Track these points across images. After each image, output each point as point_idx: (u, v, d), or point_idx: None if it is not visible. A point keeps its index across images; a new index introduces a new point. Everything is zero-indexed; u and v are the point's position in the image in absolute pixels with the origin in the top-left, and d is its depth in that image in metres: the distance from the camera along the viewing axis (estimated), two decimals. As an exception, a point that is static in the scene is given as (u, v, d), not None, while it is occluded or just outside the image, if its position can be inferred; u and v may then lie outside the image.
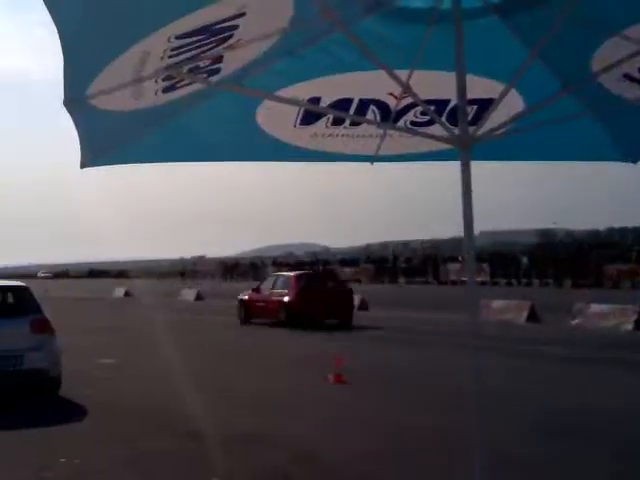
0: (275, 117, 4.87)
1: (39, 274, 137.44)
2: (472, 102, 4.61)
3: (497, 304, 25.85)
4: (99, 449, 9.21)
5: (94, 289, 64.94)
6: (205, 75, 4.20)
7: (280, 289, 26.49)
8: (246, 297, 28.17)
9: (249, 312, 27.64)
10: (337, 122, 4.97)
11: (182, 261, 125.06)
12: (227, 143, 5.26)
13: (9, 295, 13.79)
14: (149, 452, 9.03)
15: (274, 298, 26.30)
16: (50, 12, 2.97)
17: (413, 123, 5.07)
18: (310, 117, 4.89)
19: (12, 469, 8.42)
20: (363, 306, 32.30)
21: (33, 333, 12.46)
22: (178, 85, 4.14)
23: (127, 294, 51.35)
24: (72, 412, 11.52)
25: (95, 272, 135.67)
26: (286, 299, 25.72)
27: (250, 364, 16.77)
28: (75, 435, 10.05)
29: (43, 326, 12.64)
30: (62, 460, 8.63)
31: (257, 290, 27.92)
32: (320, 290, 25.87)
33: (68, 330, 20.69)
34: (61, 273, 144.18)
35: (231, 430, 10.04)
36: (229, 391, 13.28)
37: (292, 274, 28.05)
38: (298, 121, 4.91)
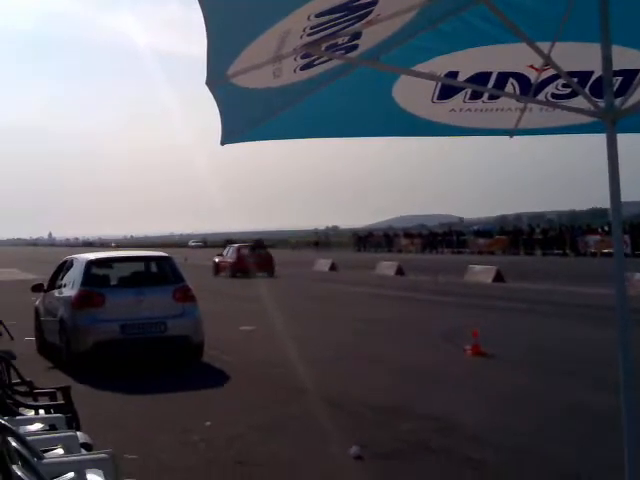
0: (412, 92, 4.83)
1: (190, 243, 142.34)
2: (617, 73, 4.44)
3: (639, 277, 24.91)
4: (239, 414, 9.53)
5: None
6: (343, 52, 4.22)
7: (230, 255, 42.88)
8: (217, 260, 44.66)
9: (217, 269, 43.81)
10: (475, 96, 4.88)
11: (316, 232, 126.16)
12: (363, 119, 5.26)
13: (152, 265, 14.38)
14: (290, 417, 9.27)
15: (226, 260, 42.89)
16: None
17: (554, 96, 4.92)
18: (447, 92, 4.82)
19: (159, 431, 8.84)
20: (498, 278, 31.81)
21: (176, 301, 12.99)
22: (316, 62, 4.18)
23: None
24: (214, 377, 11.97)
25: (231, 241, 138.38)
26: (231, 261, 42.11)
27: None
28: (217, 399, 10.44)
29: (185, 294, 13.15)
30: (207, 424, 8.97)
31: (221, 255, 44.31)
32: (252, 255, 42.19)
33: (209, 298, 21.44)
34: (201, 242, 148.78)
35: (369, 398, 10.17)
36: (366, 359, 13.43)
37: (236, 245, 44.91)
38: (435, 96, 4.85)
